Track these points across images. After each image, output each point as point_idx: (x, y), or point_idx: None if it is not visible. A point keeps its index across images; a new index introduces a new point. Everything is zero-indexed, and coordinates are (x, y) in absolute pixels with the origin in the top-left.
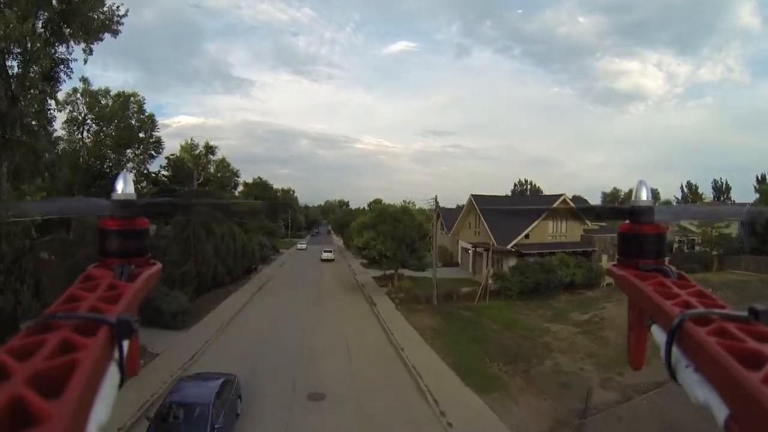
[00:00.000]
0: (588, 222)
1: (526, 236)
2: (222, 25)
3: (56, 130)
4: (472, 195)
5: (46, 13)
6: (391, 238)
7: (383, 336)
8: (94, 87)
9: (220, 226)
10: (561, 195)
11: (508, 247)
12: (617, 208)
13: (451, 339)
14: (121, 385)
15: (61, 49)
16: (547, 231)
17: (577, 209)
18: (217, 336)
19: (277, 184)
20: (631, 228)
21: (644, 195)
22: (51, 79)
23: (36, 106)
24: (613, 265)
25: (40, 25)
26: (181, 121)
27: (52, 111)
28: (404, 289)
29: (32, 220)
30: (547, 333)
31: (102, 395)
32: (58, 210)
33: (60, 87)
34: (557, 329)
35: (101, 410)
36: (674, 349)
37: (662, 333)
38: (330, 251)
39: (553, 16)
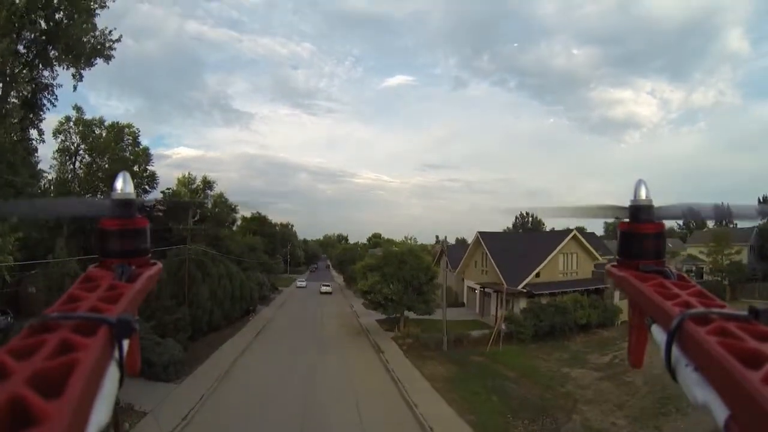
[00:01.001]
0: (598, 256)
1: (537, 275)
2: (223, 58)
3: (40, 161)
4: (479, 232)
5: (30, 34)
6: (396, 280)
7: (394, 389)
8: (94, 115)
9: (216, 265)
10: (572, 231)
11: (519, 287)
12: (617, 207)
13: (467, 390)
14: (120, 384)
15: (46, 73)
16: (558, 268)
17: (574, 210)
18: (213, 390)
19: (276, 218)
20: (631, 227)
21: (643, 194)
22: (33, 106)
23: (15, 136)
24: (613, 266)
25: (22, 46)
26: (181, 152)
27: (34, 141)
28: (412, 334)
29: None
30: (567, 380)
31: (102, 395)
32: (56, 211)
33: (43, 115)
34: (577, 374)
35: (101, 410)
36: (674, 349)
37: (662, 333)
38: (328, 285)
39: (547, 49)
